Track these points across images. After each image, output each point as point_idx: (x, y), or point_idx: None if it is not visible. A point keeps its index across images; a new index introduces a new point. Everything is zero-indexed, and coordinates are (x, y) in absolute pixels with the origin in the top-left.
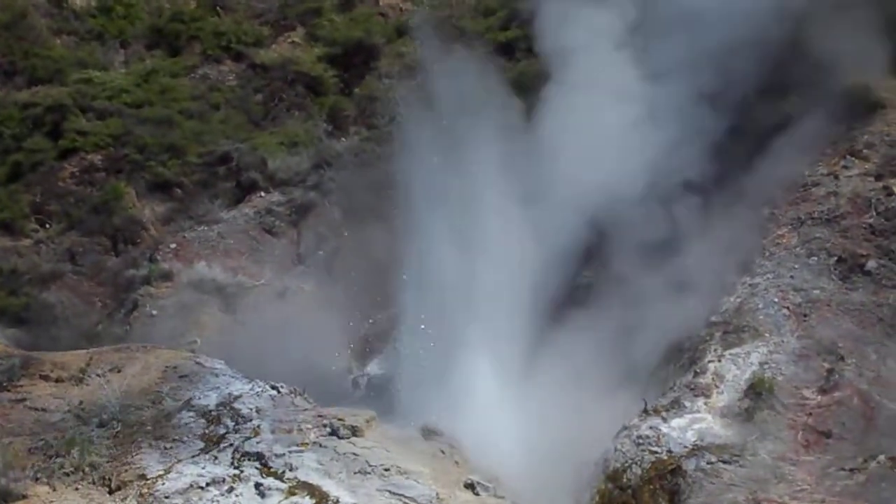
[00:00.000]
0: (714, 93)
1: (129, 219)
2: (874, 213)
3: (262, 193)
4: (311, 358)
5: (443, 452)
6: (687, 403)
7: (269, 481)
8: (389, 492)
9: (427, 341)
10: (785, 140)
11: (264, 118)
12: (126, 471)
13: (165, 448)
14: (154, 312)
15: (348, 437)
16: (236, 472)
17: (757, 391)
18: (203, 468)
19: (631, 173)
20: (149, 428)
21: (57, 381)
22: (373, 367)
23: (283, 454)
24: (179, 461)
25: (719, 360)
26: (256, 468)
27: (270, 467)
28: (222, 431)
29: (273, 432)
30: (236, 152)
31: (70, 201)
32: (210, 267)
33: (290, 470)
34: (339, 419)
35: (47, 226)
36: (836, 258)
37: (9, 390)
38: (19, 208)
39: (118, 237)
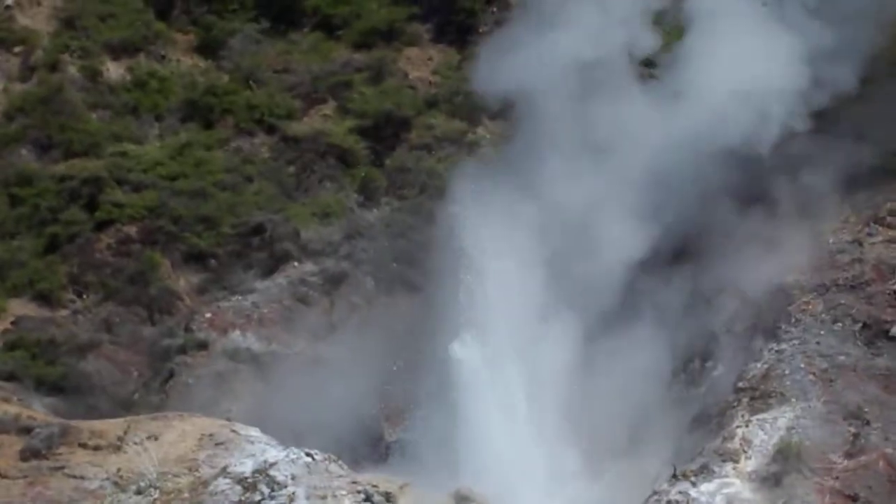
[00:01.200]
0: None
1: (164, 289)
2: None
3: (296, 263)
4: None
5: None
6: (715, 468)
7: None
8: None
9: None
10: None
11: (297, 189)
12: None
13: None
14: (190, 381)
15: (382, 503)
16: None
17: (784, 456)
18: None
19: None
20: (186, 495)
21: (95, 448)
22: (406, 434)
23: None
24: None
25: (747, 426)
26: None
27: None
28: (258, 498)
29: (308, 499)
30: (269, 223)
31: (106, 272)
32: (244, 336)
33: None
34: (374, 485)
35: (84, 296)
36: (860, 324)
37: (48, 458)
38: (56, 279)
39: (154, 307)
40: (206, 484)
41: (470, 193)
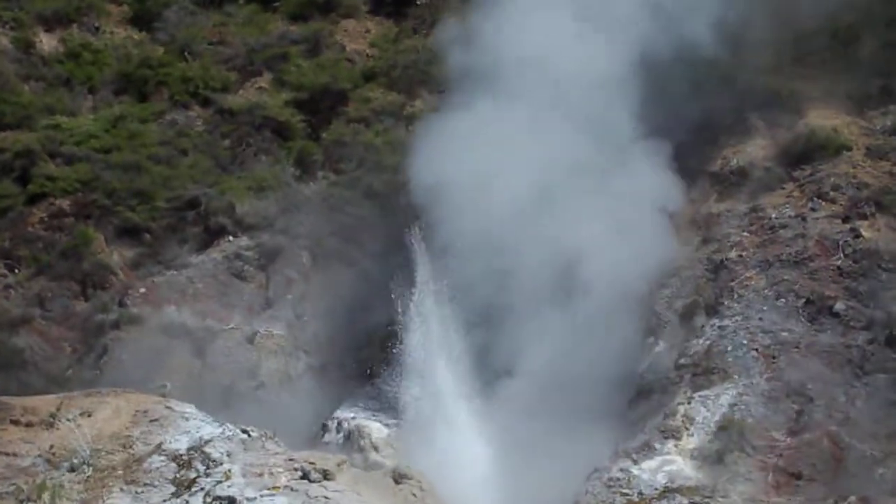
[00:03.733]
0: None
1: (98, 264)
2: (842, 255)
3: (231, 238)
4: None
5: (414, 496)
6: (657, 445)
7: None
8: None
9: None
10: None
11: (232, 163)
12: None
13: (136, 492)
14: (124, 357)
15: (319, 481)
16: None
17: (727, 433)
18: None
19: None
20: (120, 472)
21: (27, 425)
22: (342, 411)
23: (255, 498)
24: None
25: (689, 403)
26: None
27: None
28: (193, 475)
29: (244, 476)
30: (204, 197)
31: (39, 246)
32: (179, 311)
33: None
34: (311, 462)
35: (16, 271)
36: (804, 300)
37: None
38: None
39: (87, 282)
40: (140, 461)
41: None
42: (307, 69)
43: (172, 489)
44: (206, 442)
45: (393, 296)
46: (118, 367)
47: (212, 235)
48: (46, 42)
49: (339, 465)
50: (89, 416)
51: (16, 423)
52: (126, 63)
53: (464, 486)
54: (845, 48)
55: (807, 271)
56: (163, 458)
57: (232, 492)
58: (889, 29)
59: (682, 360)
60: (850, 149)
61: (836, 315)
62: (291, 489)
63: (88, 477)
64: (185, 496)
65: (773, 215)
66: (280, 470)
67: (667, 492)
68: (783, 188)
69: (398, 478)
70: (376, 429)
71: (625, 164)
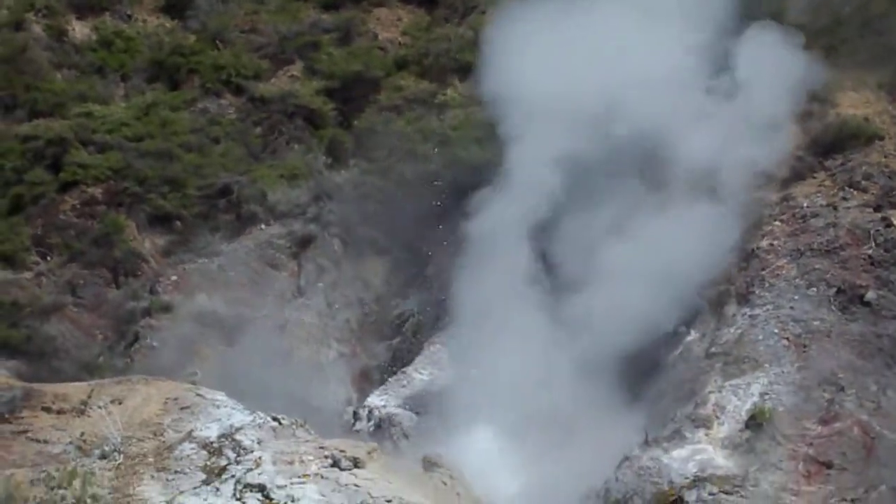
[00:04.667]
0: None
1: (129, 251)
2: (873, 245)
3: (262, 226)
4: (312, 389)
5: (444, 484)
6: (688, 434)
7: None
8: None
9: None
10: None
11: (264, 151)
12: (128, 503)
13: (167, 480)
14: (155, 344)
15: (350, 469)
16: (238, 503)
17: (758, 422)
18: (205, 500)
19: None
20: (150, 460)
21: (58, 412)
22: (373, 399)
23: (285, 486)
24: (181, 493)
25: (720, 391)
26: (258, 500)
27: (272, 499)
28: (224, 463)
29: (275, 464)
30: (236, 185)
31: (71, 234)
32: (210, 299)
33: (292, 501)
34: (341, 450)
35: (48, 258)
36: (835, 289)
37: (10, 422)
38: (20, 241)
39: (119, 269)
40: (171, 448)
41: None
42: (339, 57)
43: (203, 476)
44: (237, 429)
45: None
46: (149, 354)
47: (243, 223)
48: (79, 30)
49: (369, 453)
50: (120, 403)
51: (47, 410)
52: (158, 51)
53: None
54: (878, 37)
55: (838, 260)
56: (193, 445)
57: (262, 479)
58: None
59: (712, 349)
60: (881, 138)
61: (868, 304)
62: (322, 477)
63: (119, 464)
64: (216, 483)
65: (805, 204)
66: (310, 458)
67: (697, 481)
68: (815, 177)
69: (428, 466)
70: (407, 417)
71: None
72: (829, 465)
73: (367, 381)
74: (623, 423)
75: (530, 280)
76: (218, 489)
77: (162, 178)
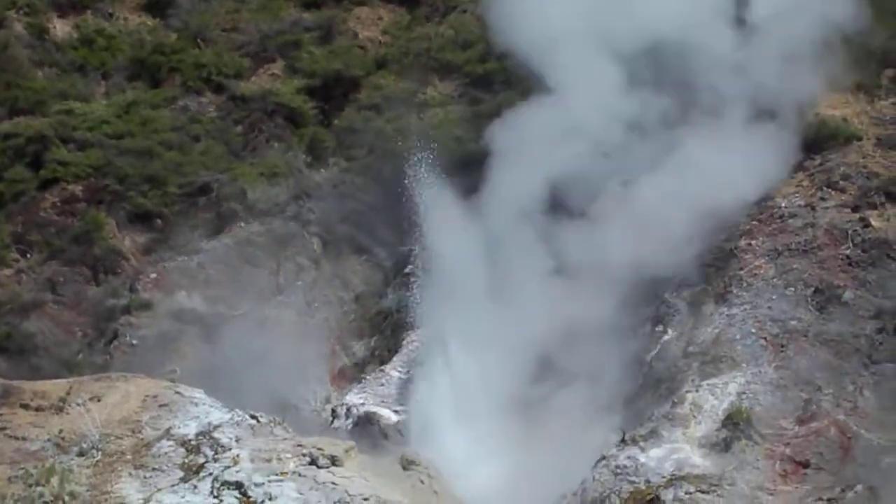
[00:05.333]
0: None
1: (109, 249)
2: (851, 245)
3: (242, 224)
4: (291, 387)
5: (422, 482)
6: (665, 433)
7: None
8: None
9: None
10: None
11: (244, 149)
12: (105, 500)
13: (145, 477)
14: (134, 342)
15: (328, 467)
16: (216, 501)
17: (734, 421)
18: (182, 497)
19: None
20: (128, 457)
21: (37, 409)
22: (351, 397)
23: (263, 483)
24: (159, 490)
25: (697, 391)
26: (236, 497)
27: (250, 497)
28: (202, 461)
29: (252, 461)
30: (216, 183)
31: (51, 231)
32: (190, 297)
33: (270, 499)
34: (319, 448)
35: (28, 255)
36: (812, 289)
37: None
38: (0, 238)
39: (98, 267)
40: (149, 446)
41: None
42: (320, 56)
43: (181, 474)
44: (215, 427)
45: None
46: (129, 352)
47: (223, 221)
48: (60, 28)
49: (347, 451)
50: (99, 400)
51: (25, 407)
52: (139, 49)
53: None
54: (856, 37)
55: (816, 260)
56: (171, 443)
57: (240, 477)
58: None
59: (690, 349)
60: (860, 138)
61: (845, 304)
62: (299, 475)
63: (97, 461)
64: (194, 481)
65: (783, 204)
66: (288, 455)
67: (674, 479)
68: (793, 177)
69: (406, 464)
70: (385, 415)
71: None
72: (805, 465)
73: (345, 379)
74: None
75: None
76: (195, 487)
77: (142, 176)
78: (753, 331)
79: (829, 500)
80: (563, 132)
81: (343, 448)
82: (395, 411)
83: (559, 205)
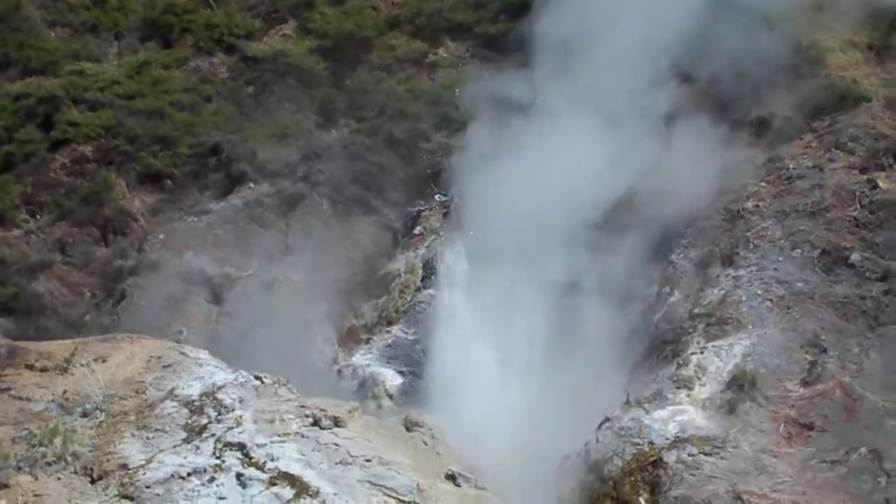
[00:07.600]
0: None
1: (118, 209)
2: (858, 206)
3: (252, 185)
4: (297, 348)
5: (425, 444)
6: (669, 395)
7: (251, 471)
8: (370, 483)
9: None
10: None
11: (255, 110)
12: (108, 460)
13: (148, 438)
14: (142, 303)
15: (330, 428)
16: (218, 462)
17: (739, 383)
18: (185, 458)
19: None
20: (132, 418)
21: (42, 370)
22: (358, 358)
23: (265, 444)
24: (161, 451)
25: (702, 352)
26: (238, 458)
27: (252, 457)
28: (205, 421)
29: (255, 422)
30: (226, 144)
31: (61, 192)
32: (198, 257)
33: (272, 460)
34: (322, 409)
35: (37, 216)
36: (819, 251)
37: None
38: (10, 199)
39: (108, 228)
40: (152, 406)
41: None
42: (331, 17)
43: (184, 435)
44: (219, 388)
45: None
46: (136, 312)
47: (233, 182)
48: None
49: (350, 412)
50: (103, 361)
51: (30, 367)
52: (151, 10)
53: None
54: None
55: (823, 222)
56: (175, 403)
57: (242, 438)
58: None
59: (696, 310)
60: (869, 100)
61: (852, 266)
62: (302, 436)
63: (101, 422)
64: (196, 442)
65: (791, 165)
66: (291, 416)
67: (678, 441)
68: (801, 138)
69: (410, 425)
70: (390, 376)
71: None
72: (810, 427)
73: (353, 340)
74: None
75: None
76: (198, 448)
77: (153, 137)
78: (759, 292)
79: (833, 462)
80: None
81: (346, 409)
82: (401, 372)
83: None
